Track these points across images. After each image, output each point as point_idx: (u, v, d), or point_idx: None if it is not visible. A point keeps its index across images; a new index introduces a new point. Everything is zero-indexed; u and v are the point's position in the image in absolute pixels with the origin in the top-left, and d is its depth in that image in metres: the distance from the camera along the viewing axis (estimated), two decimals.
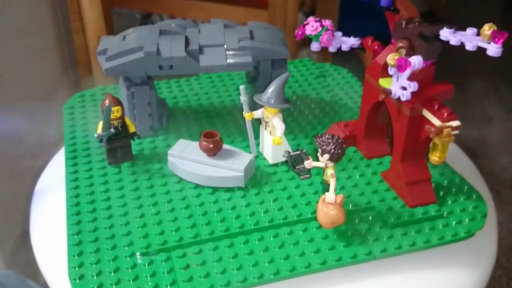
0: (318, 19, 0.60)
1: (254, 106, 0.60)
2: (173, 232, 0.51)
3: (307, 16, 1.61)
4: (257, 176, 0.59)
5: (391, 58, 0.50)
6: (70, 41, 1.41)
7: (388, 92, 0.52)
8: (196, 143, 0.59)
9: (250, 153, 0.61)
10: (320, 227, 0.52)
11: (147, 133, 0.65)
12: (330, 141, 0.48)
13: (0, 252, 1.05)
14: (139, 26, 1.58)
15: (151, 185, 0.57)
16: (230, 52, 0.60)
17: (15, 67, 1.23)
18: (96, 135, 0.57)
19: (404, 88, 0.50)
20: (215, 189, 0.57)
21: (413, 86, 0.50)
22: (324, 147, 0.49)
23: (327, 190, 0.50)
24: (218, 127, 0.68)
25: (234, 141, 0.65)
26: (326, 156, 0.49)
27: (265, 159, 0.61)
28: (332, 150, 0.48)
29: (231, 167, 0.56)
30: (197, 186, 0.57)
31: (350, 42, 0.60)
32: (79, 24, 1.33)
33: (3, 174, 1.11)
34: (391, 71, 0.52)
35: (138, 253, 0.49)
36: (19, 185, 1.16)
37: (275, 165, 0.60)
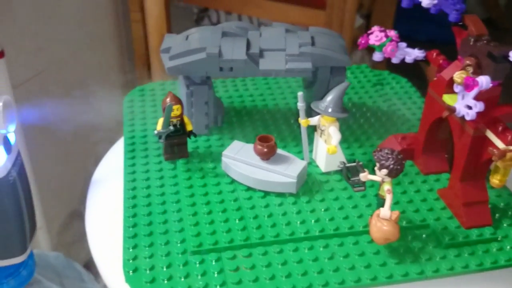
0: (382, 29, 0.59)
1: (308, 112, 0.60)
2: (224, 233, 0.52)
3: (365, 18, 1.58)
4: (308, 184, 0.59)
5: (458, 76, 0.49)
6: (128, 32, 1.44)
7: (452, 110, 0.51)
8: (250, 146, 0.60)
9: (303, 159, 0.61)
10: (371, 241, 0.51)
11: (202, 131, 0.67)
12: (390, 156, 0.48)
13: (47, 232, 1.10)
14: (195, 20, 1.60)
15: (204, 184, 0.59)
16: (290, 57, 0.61)
17: (73, 54, 1.27)
18: (156, 132, 0.59)
19: (469, 107, 0.49)
20: (266, 193, 0.57)
21: (479, 106, 0.48)
22: (383, 162, 0.48)
23: (382, 205, 0.49)
24: (271, 130, 0.68)
25: (287, 145, 0.65)
26: (384, 171, 0.48)
27: (317, 166, 0.61)
28: (391, 166, 0.48)
29: (284, 173, 0.56)
30: (248, 188, 0.58)
31: (414, 54, 0.59)
32: (138, 15, 1.36)
33: (53, 157, 1.16)
34: (456, 88, 0.51)
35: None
36: (68, 168, 1.21)
37: (327, 173, 0.60)
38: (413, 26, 2.04)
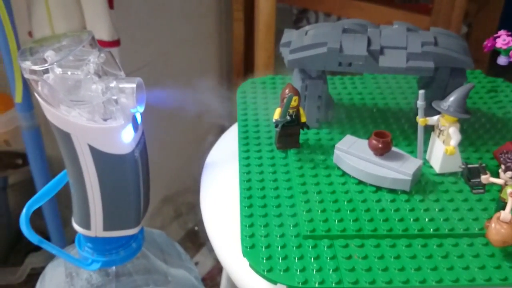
0: (510, 33, 0.58)
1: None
2: (336, 222, 0.53)
3: (468, 27, 1.52)
4: (421, 183, 0.58)
5: None
6: (229, 29, 1.50)
7: None
8: (363, 141, 0.60)
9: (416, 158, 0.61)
10: (486, 244, 0.50)
11: (313, 124, 0.68)
12: None
13: None
14: (294, 21, 1.63)
15: (315, 174, 0.60)
16: (412, 56, 0.61)
17: (177, 48, 1.34)
18: (274, 120, 0.61)
19: None
20: (378, 188, 0.58)
21: None
22: (509, 164, 0.47)
23: (503, 208, 0.48)
24: (381, 128, 0.69)
25: (398, 144, 0.65)
26: (510, 173, 0.47)
27: (431, 167, 0.61)
28: None
29: (399, 170, 0.57)
30: (359, 182, 0.59)
31: None
32: (240, 14, 1.41)
33: (151, 144, 1.22)
34: None
35: None
36: (164, 155, 1.27)
37: (442, 175, 0.59)
38: None
